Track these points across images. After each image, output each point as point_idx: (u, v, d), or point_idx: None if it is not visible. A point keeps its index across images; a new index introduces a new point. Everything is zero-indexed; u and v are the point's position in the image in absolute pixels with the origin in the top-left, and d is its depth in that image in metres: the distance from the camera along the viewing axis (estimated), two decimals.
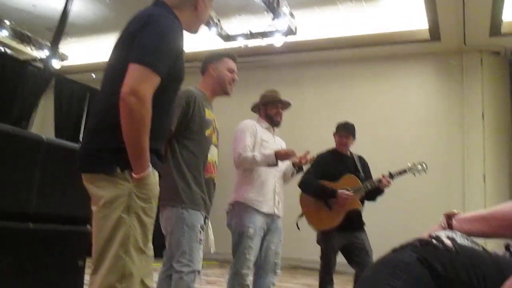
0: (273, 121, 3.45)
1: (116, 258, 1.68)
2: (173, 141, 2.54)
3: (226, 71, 2.79)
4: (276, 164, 3.16)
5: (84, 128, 1.89)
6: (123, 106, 1.66)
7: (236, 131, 3.38)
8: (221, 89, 2.79)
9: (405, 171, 3.80)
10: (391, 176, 3.74)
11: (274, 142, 3.43)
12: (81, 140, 7.24)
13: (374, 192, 3.82)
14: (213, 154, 2.65)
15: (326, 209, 3.77)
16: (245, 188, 3.24)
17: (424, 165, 3.85)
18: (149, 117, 1.69)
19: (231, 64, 2.83)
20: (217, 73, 2.78)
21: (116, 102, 1.68)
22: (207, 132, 2.61)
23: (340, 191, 3.69)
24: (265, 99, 3.51)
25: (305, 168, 3.60)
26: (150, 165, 1.75)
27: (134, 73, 1.69)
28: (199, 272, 2.47)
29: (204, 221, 2.53)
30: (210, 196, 2.63)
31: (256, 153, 3.19)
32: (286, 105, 3.53)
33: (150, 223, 1.79)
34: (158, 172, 1.86)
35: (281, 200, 3.36)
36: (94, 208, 1.76)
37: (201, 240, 2.45)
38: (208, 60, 2.84)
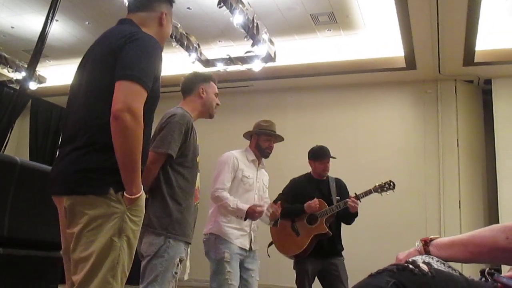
0: (263, 153, 3.46)
1: (103, 282, 1.60)
2: (167, 168, 2.44)
3: (213, 95, 2.76)
4: (244, 219, 3.16)
5: (60, 149, 1.81)
6: (117, 124, 1.60)
7: (217, 163, 3.37)
8: (208, 112, 2.75)
9: (371, 191, 3.81)
10: (357, 197, 3.76)
11: (256, 177, 3.42)
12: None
13: (346, 215, 3.84)
14: (198, 180, 2.65)
15: (294, 235, 3.79)
16: (221, 220, 3.23)
17: (392, 184, 3.83)
18: (142, 134, 1.65)
19: (216, 89, 2.81)
20: (206, 96, 2.72)
21: (106, 121, 1.62)
22: (197, 159, 2.59)
23: (306, 203, 3.73)
24: (259, 129, 3.50)
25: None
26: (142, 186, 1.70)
27: (126, 89, 1.63)
28: None
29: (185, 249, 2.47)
30: (195, 223, 2.61)
31: (231, 199, 3.17)
32: (279, 138, 3.55)
33: (135, 245, 1.73)
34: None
35: (256, 235, 3.38)
36: (76, 229, 1.65)
37: (175, 273, 2.36)
38: (197, 81, 2.75)
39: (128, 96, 1.62)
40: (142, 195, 1.71)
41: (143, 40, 1.77)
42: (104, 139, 1.64)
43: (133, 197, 1.66)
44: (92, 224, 1.62)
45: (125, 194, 1.66)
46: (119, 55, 1.71)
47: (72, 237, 1.66)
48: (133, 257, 1.74)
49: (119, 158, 1.62)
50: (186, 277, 2.67)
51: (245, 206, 3.13)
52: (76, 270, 1.64)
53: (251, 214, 3.12)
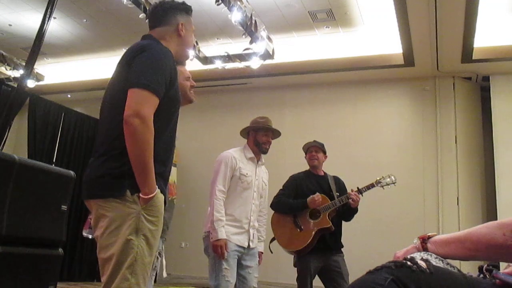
0: (261, 148, 3.45)
1: (122, 279, 1.69)
2: None
3: (185, 81, 2.65)
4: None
5: (92, 156, 1.89)
6: (127, 128, 1.72)
7: (216, 162, 3.37)
8: (185, 99, 2.62)
9: (373, 185, 3.82)
10: (359, 191, 3.76)
11: (254, 175, 3.41)
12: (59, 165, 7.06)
13: (347, 211, 3.84)
14: (172, 174, 2.57)
15: (297, 230, 3.78)
16: None
17: (393, 178, 3.84)
18: (152, 137, 1.74)
19: (186, 72, 2.70)
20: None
21: (121, 129, 1.73)
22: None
23: (309, 198, 3.70)
24: (256, 125, 3.49)
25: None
26: (157, 187, 1.79)
27: (134, 96, 1.75)
28: None
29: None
30: (169, 218, 2.52)
31: (219, 218, 3.14)
32: (276, 134, 3.54)
33: (156, 245, 1.81)
34: (164, 197, 1.87)
35: (255, 233, 3.37)
36: (99, 232, 1.77)
37: (154, 267, 2.32)
38: None
39: (137, 102, 1.73)
40: (158, 196, 1.79)
41: (151, 51, 1.88)
42: (120, 145, 1.75)
43: (146, 197, 1.75)
44: (112, 225, 1.74)
45: (140, 194, 1.75)
46: (131, 66, 1.84)
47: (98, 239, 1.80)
48: (154, 256, 1.82)
49: (132, 161, 1.73)
50: (164, 274, 2.61)
51: (220, 235, 3.09)
52: (103, 271, 1.74)
53: (215, 247, 3.09)
